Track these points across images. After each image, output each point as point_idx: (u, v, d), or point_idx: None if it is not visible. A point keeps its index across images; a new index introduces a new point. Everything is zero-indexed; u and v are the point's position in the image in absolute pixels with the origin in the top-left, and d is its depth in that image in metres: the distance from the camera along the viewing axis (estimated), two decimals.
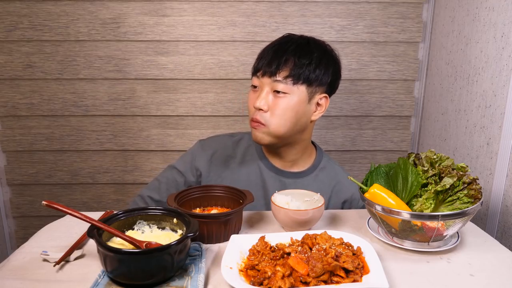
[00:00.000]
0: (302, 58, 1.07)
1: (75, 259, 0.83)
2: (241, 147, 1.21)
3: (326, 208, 1.12)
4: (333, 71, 1.12)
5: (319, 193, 0.99)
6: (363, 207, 1.18)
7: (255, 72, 1.11)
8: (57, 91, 1.64)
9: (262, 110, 1.08)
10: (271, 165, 1.18)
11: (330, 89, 1.14)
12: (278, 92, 1.07)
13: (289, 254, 0.78)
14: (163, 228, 0.86)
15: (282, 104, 1.07)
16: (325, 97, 1.12)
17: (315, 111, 1.12)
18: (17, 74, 1.61)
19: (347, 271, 0.74)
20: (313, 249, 0.79)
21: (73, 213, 0.79)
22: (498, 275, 0.80)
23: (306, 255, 0.76)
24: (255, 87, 1.11)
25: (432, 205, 0.88)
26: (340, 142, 1.74)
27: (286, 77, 1.06)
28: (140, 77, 1.64)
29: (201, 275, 0.76)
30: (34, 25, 1.57)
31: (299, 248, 0.80)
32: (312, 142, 1.24)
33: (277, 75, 1.07)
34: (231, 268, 0.76)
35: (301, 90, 1.08)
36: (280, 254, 0.79)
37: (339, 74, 1.16)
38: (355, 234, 0.89)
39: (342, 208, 1.19)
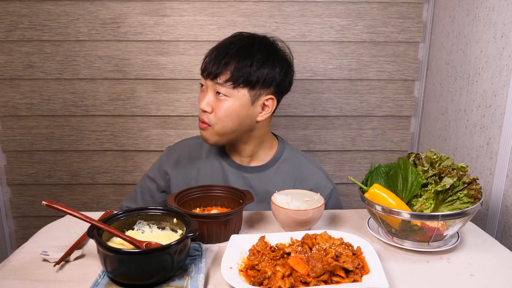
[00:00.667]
0: (243, 61, 1.06)
1: (75, 259, 0.83)
2: (205, 147, 1.22)
3: None
4: (280, 71, 1.10)
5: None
6: (331, 196, 1.18)
7: (201, 72, 1.11)
8: (57, 91, 1.64)
9: (207, 111, 1.09)
10: (232, 161, 1.20)
11: (280, 90, 1.13)
12: (219, 93, 1.07)
13: (289, 254, 0.78)
14: (163, 228, 0.86)
15: (224, 107, 1.07)
16: (271, 98, 1.11)
17: (261, 112, 1.12)
18: (17, 74, 1.61)
19: (347, 271, 0.74)
20: (313, 249, 0.79)
21: (73, 213, 0.79)
22: (498, 275, 0.80)
23: (306, 255, 0.76)
24: (202, 85, 1.12)
25: (432, 205, 0.88)
26: (340, 142, 1.74)
27: (226, 81, 1.06)
28: (140, 77, 1.64)
29: (201, 275, 0.76)
30: (34, 25, 1.57)
31: (299, 248, 0.80)
32: (275, 135, 1.24)
33: (217, 79, 1.06)
34: (231, 268, 0.76)
35: (242, 93, 1.07)
36: (280, 254, 0.79)
37: (290, 74, 1.14)
38: (355, 234, 0.89)
39: None
